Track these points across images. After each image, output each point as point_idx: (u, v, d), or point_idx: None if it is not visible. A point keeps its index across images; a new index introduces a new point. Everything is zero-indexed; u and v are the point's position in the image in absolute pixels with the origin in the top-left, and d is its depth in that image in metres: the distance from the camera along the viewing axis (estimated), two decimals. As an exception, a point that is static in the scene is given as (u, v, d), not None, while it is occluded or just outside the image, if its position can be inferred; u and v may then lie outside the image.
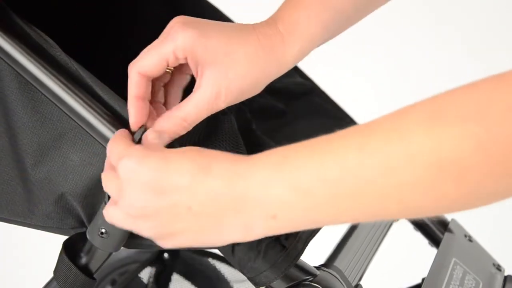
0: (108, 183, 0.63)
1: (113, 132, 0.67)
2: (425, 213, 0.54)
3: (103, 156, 0.69)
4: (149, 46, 0.66)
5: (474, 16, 2.33)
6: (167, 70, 0.69)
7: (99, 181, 0.70)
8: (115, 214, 0.62)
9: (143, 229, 0.61)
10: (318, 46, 0.71)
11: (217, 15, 0.93)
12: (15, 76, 0.70)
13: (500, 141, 0.48)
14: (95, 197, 0.71)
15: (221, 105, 0.66)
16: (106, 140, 0.68)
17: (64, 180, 0.71)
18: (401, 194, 0.51)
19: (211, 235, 0.59)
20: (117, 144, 0.63)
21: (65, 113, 0.69)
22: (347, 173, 0.52)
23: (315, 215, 0.55)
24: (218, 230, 0.59)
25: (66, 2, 0.89)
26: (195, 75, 0.67)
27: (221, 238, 0.59)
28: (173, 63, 0.67)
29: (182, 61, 0.67)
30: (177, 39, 0.65)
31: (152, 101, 0.69)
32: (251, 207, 0.56)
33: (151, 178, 0.59)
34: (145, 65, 0.66)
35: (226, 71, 0.66)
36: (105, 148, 0.68)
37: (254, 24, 0.69)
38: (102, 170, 0.70)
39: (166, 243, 0.62)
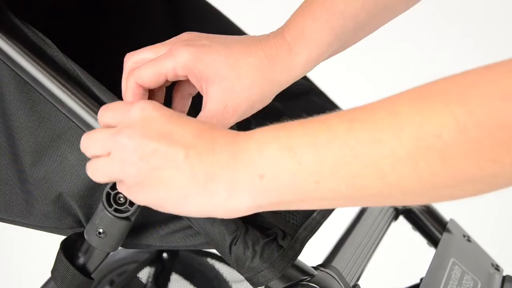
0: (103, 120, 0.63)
1: None
2: (408, 192, 0.53)
3: (100, 156, 0.69)
4: (152, 61, 0.67)
5: (475, 13, 2.33)
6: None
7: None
8: (108, 164, 0.61)
9: (128, 169, 0.60)
10: (331, 54, 0.71)
11: (217, 17, 0.93)
12: (13, 76, 0.70)
13: (480, 125, 0.48)
14: (93, 197, 0.71)
15: (231, 120, 0.67)
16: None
17: (62, 180, 0.71)
18: (385, 166, 0.52)
19: (195, 192, 0.58)
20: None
21: (63, 113, 0.69)
22: (335, 138, 0.54)
23: (300, 181, 0.55)
24: (204, 186, 0.58)
25: (65, 2, 0.89)
26: (201, 92, 0.68)
27: (203, 198, 0.58)
28: (172, 79, 0.67)
29: (182, 78, 0.67)
30: (178, 56, 0.65)
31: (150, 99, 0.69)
32: (242, 166, 0.57)
33: (154, 117, 0.59)
34: (143, 77, 0.67)
35: (231, 85, 0.66)
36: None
37: (260, 35, 0.69)
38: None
39: (142, 192, 0.60)
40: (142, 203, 0.62)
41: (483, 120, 0.48)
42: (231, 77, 0.66)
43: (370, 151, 0.52)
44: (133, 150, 0.59)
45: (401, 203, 0.56)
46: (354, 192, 0.54)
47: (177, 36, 0.68)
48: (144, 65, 0.67)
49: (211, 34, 0.69)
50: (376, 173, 0.52)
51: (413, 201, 0.55)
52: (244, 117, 0.68)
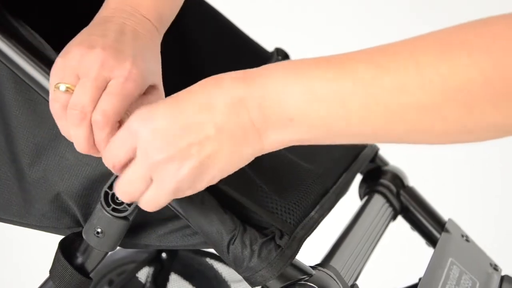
0: (122, 145, 0.61)
1: None
2: (430, 139, 0.56)
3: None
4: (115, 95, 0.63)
5: (475, 13, 2.33)
6: None
7: (95, 181, 0.71)
8: (143, 175, 0.61)
9: (180, 172, 0.60)
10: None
11: (216, 17, 0.93)
12: (12, 76, 0.70)
13: (505, 75, 0.50)
14: (91, 196, 0.71)
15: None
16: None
17: (60, 179, 0.71)
18: (409, 115, 0.54)
19: (239, 147, 0.60)
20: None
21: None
22: (360, 86, 0.55)
23: (329, 122, 0.57)
24: (244, 140, 0.59)
25: (63, 5, 0.89)
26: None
27: (246, 151, 0.60)
28: None
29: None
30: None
31: None
32: (269, 114, 0.58)
33: (168, 121, 0.59)
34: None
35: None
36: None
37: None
38: (98, 170, 0.70)
39: (202, 180, 0.61)
40: (206, 186, 0.62)
41: (509, 70, 0.50)
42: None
43: (395, 100, 0.54)
44: (171, 160, 0.59)
45: (422, 142, 0.57)
46: (379, 133, 0.56)
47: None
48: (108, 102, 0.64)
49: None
50: (400, 120, 0.54)
51: (435, 142, 0.56)
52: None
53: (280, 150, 0.62)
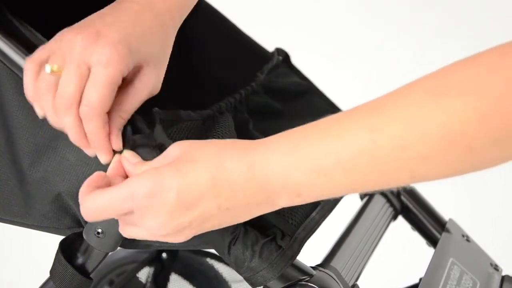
0: (122, 207, 0.62)
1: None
2: (435, 178, 0.57)
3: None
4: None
5: (468, 13, 2.33)
6: None
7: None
8: (139, 233, 0.64)
9: (177, 240, 0.63)
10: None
11: (215, 16, 0.93)
12: (12, 76, 0.70)
13: (501, 112, 0.51)
14: (92, 197, 0.71)
15: None
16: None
17: (61, 180, 0.71)
18: (414, 166, 0.55)
19: (242, 218, 0.63)
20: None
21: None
22: (360, 154, 0.56)
23: (335, 190, 0.59)
24: (248, 213, 0.62)
25: (64, 6, 0.89)
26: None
27: (249, 214, 0.62)
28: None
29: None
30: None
31: None
32: (276, 193, 0.60)
33: (173, 200, 0.60)
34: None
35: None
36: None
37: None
38: (98, 170, 0.70)
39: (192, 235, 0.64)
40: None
41: (504, 107, 0.51)
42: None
43: (398, 156, 0.55)
44: (168, 235, 0.62)
45: (428, 181, 0.58)
46: (385, 184, 0.58)
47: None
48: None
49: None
50: (405, 171, 0.55)
51: (442, 178, 0.58)
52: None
53: None
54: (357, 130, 0.56)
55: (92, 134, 0.64)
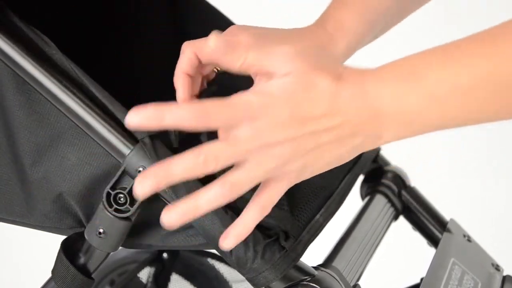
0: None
1: (109, 131, 0.68)
2: None
3: (100, 156, 0.69)
4: (222, 44, 0.63)
5: (475, 16, 2.33)
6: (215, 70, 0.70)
7: (97, 181, 0.70)
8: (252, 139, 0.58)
9: (283, 155, 0.59)
10: (365, 44, 0.75)
11: (220, 21, 0.93)
12: (13, 76, 0.70)
13: None
14: (93, 197, 0.71)
15: None
16: (103, 139, 0.68)
17: (62, 180, 0.71)
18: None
19: (348, 146, 0.60)
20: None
21: (63, 112, 0.69)
22: (480, 79, 0.57)
23: (448, 119, 0.60)
24: (354, 140, 0.60)
25: (68, 10, 0.89)
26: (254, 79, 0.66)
27: (354, 149, 0.61)
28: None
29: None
30: (247, 58, 0.63)
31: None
32: (386, 123, 0.59)
33: (291, 110, 0.58)
34: (205, 54, 0.66)
35: None
36: (102, 147, 0.69)
37: (303, 27, 0.71)
38: (100, 170, 0.70)
39: (308, 169, 0.61)
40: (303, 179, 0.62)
41: None
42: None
43: None
44: (289, 141, 0.58)
45: None
46: (494, 119, 0.60)
47: (236, 34, 0.66)
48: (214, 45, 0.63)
49: (262, 28, 0.68)
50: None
51: None
52: None
53: None
54: (477, 55, 0.57)
55: None
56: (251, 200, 0.62)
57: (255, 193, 0.61)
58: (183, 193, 0.67)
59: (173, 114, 0.55)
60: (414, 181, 0.97)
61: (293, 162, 0.59)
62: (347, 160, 0.62)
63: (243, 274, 0.67)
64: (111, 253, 0.72)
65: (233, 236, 0.61)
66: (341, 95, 0.59)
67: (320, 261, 0.75)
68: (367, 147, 0.62)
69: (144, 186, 0.56)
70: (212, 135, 0.62)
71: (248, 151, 0.58)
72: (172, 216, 0.58)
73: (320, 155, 0.60)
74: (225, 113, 0.57)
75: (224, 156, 0.57)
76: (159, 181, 0.56)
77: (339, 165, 0.63)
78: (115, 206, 0.67)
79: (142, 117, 0.55)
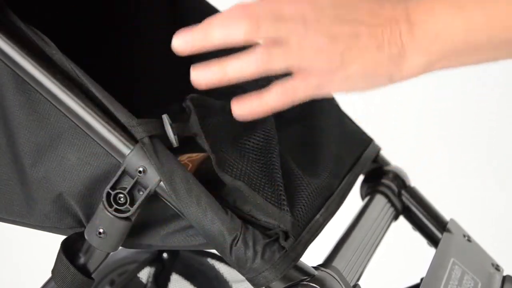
0: None
1: (109, 131, 0.68)
2: None
3: (100, 156, 0.69)
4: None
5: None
6: None
7: (97, 181, 0.70)
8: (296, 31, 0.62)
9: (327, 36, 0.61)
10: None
11: None
12: (13, 76, 0.70)
13: None
14: (93, 197, 0.71)
15: None
16: (103, 139, 0.68)
17: (62, 180, 0.71)
18: None
19: (383, 52, 0.61)
20: None
21: (63, 112, 0.69)
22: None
23: (472, 35, 0.61)
24: (382, 46, 0.61)
25: (68, 10, 0.89)
26: None
27: (388, 60, 0.62)
28: None
29: None
30: None
31: None
32: (416, 31, 0.61)
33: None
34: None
35: None
36: (102, 147, 0.69)
37: None
38: (99, 169, 0.70)
39: (340, 73, 0.62)
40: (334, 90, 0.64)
41: None
42: None
43: None
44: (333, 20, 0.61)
45: None
46: None
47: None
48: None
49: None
50: None
51: None
52: None
53: (285, 157, 0.61)
54: None
55: None
56: (275, 83, 0.62)
57: (282, 79, 0.62)
58: (183, 193, 0.67)
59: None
60: (414, 181, 0.97)
61: (331, 54, 0.61)
62: (378, 75, 0.62)
63: (243, 274, 0.67)
64: (111, 253, 0.72)
65: (248, 109, 0.63)
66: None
67: (320, 261, 0.75)
68: (393, 65, 0.62)
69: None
70: None
71: (286, 28, 0.60)
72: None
73: (357, 53, 0.61)
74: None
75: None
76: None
77: (369, 78, 0.63)
78: (115, 206, 0.67)
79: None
